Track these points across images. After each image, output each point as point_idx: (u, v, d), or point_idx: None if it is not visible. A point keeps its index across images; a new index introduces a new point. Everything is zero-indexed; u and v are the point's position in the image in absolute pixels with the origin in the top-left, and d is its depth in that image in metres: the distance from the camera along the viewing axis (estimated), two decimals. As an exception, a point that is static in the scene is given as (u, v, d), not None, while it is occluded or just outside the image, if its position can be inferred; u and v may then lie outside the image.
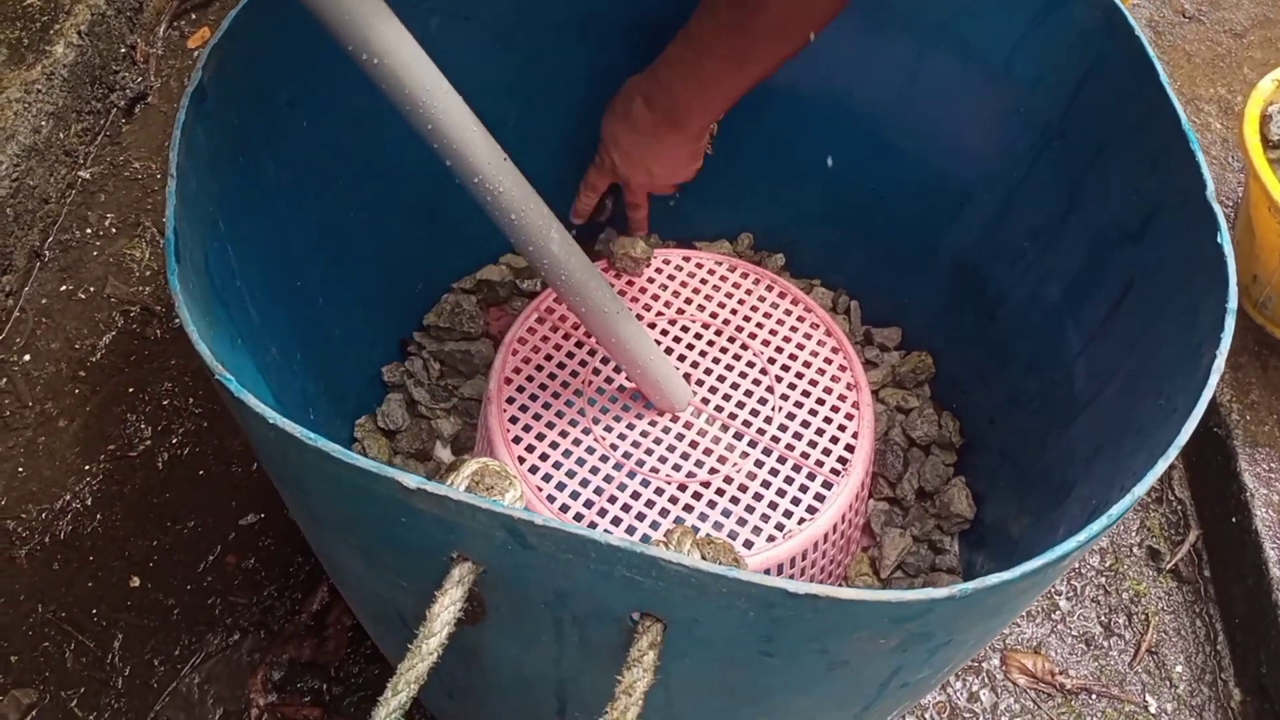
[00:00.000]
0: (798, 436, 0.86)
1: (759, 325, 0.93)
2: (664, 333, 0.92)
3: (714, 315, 0.94)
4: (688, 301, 0.95)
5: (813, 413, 0.87)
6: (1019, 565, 0.46)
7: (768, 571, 0.79)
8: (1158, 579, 0.99)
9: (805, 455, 0.85)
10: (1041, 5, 0.77)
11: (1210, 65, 1.34)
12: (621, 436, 0.85)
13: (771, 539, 0.80)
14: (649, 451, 0.84)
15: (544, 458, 0.83)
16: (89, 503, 1.00)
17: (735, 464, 0.84)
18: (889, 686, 0.55)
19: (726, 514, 0.81)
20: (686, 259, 0.98)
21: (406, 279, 0.99)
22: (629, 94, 0.83)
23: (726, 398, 0.88)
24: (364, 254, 0.90)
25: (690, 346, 0.91)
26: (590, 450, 0.84)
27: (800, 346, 0.91)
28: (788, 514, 0.81)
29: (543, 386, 0.88)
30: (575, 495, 0.81)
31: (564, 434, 0.85)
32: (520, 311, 0.94)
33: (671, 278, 0.97)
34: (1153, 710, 0.92)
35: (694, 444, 0.85)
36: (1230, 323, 0.56)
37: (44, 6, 1.25)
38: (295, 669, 0.91)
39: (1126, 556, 1.00)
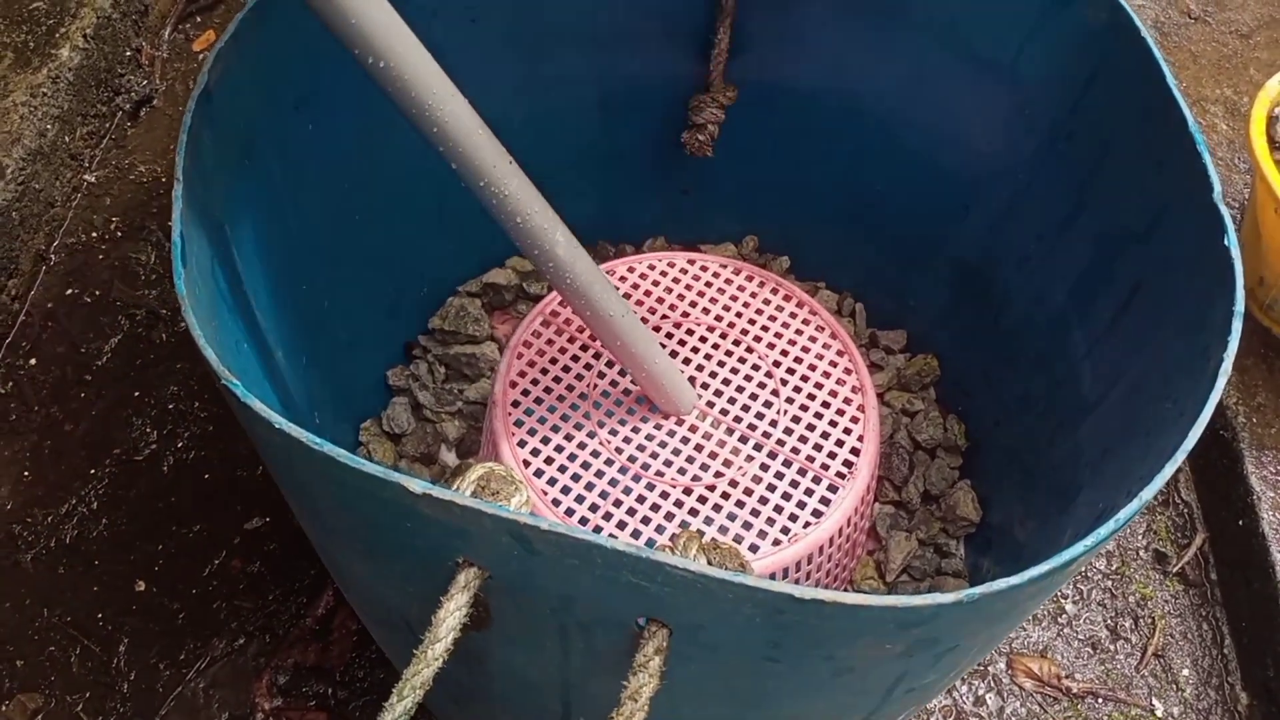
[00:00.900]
0: (803, 440, 0.86)
1: (764, 328, 0.93)
2: (669, 336, 0.92)
3: (719, 318, 0.93)
4: (692, 305, 0.94)
5: (818, 416, 0.87)
6: (1026, 570, 0.46)
7: (773, 576, 0.79)
8: (1164, 582, 0.99)
9: (810, 459, 0.84)
10: (1048, 5, 0.77)
11: (1216, 66, 1.33)
12: (627, 440, 0.85)
13: (777, 543, 0.80)
14: (654, 455, 0.84)
15: (549, 461, 0.83)
16: (94, 507, 1.00)
17: (740, 468, 0.83)
18: (894, 692, 0.55)
19: (732, 518, 0.81)
20: (691, 262, 0.98)
21: (412, 282, 0.99)
22: None
23: (732, 401, 0.88)
24: (370, 257, 0.90)
25: (695, 350, 0.91)
26: (595, 454, 0.84)
27: (805, 350, 0.91)
28: (793, 518, 0.81)
29: (548, 390, 0.88)
30: (580, 499, 0.81)
31: (569, 437, 0.85)
32: (525, 315, 0.94)
33: (676, 281, 0.97)
34: (1159, 714, 0.92)
35: (699, 448, 0.84)
36: (1238, 326, 0.55)
37: (49, 10, 1.25)
38: (300, 673, 0.91)
39: (1133, 560, 1.00)
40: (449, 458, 0.96)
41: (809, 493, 0.83)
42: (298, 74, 0.74)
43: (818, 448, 0.85)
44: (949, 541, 0.92)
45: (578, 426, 0.85)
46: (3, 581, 0.95)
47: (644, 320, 0.92)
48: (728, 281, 0.97)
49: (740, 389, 0.88)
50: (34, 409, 1.06)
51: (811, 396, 0.88)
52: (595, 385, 0.88)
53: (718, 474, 0.83)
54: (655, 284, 0.96)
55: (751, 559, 0.79)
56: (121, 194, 1.24)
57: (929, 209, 0.93)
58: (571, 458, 0.83)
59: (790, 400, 0.88)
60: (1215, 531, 1.01)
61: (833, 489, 0.83)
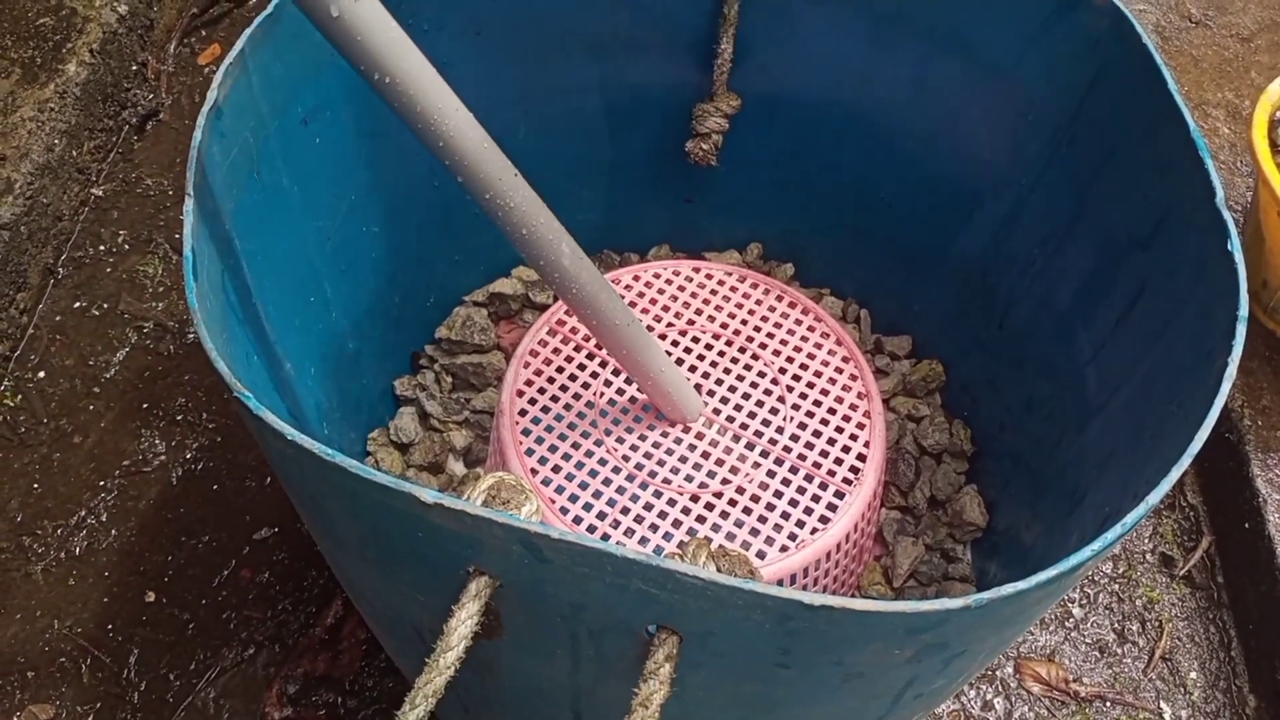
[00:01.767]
0: (809, 446, 0.86)
1: (769, 335, 0.93)
2: (674, 344, 0.93)
3: (724, 326, 0.94)
4: (698, 312, 0.95)
5: (824, 423, 0.87)
6: (1033, 575, 0.46)
7: (781, 582, 0.79)
8: (1171, 585, 0.99)
9: (817, 465, 0.85)
10: (1050, 11, 0.77)
11: (1217, 70, 1.34)
12: (633, 448, 0.85)
13: (784, 549, 0.80)
14: (661, 463, 0.84)
15: (556, 470, 0.84)
16: (104, 519, 1.00)
17: (747, 474, 0.84)
18: (903, 697, 0.55)
19: (739, 525, 0.81)
20: (696, 270, 0.99)
21: (418, 292, 0.99)
22: None
23: (738, 408, 0.88)
24: (377, 268, 0.91)
25: (700, 357, 0.91)
26: (603, 462, 0.84)
27: (811, 356, 0.92)
28: (800, 524, 0.81)
29: (554, 399, 0.88)
30: (588, 507, 0.82)
31: (576, 446, 0.85)
32: (532, 324, 0.94)
33: (681, 289, 0.97)
34: (1167, 717, 0.92)
35: (706, 455, 0.85)
36: (1241, 330, 0.56)
37: (56, 26, 1.26)
38: (310, 683, 0.91)
39: (1140, 563, 1.00)
40: (456, 467, 0.96)
41: (816, 499, 0.83)
42: (305, 89, 0.75)
43: (824, 454, 0.85)
44: (956, 546, 0.92)
45: (585, 434, 0.86)
46: (13, 593, 0.96)
47: (649, 328, 0.93)
48: (732, 289, 0.97)
49: (746, 395, 0.89)
50: (43, 421, 1.07)
51: (817, 403, 0.89)
52: (602, 393, 0.89)
53: (725, 480, 0.83)
54: (660, 292, 0.97)
55: (759, 565, 0.79)
56: (128, 207, 1.24)
57: (933, 215, 0.94)
58: (579, 465, 0.84)
59: (796, 406, 0.88)
60: (1222, 534, 1.01)
61: (839, 495, 0.83)
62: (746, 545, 0.80)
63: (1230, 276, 0.58)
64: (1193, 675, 0.94)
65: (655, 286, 0.97)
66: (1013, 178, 0.85)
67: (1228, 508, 1.00)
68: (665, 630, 0.48)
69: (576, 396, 0.88)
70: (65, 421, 1.07)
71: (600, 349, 0.91)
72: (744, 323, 0.94)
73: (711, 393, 0.89)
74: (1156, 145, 0.69)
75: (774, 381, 0.90)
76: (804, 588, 0.81)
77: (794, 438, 0.86)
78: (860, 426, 0.87)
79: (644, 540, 0.80)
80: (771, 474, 0.84)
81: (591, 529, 0.81)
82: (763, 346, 0.92)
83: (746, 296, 0.96)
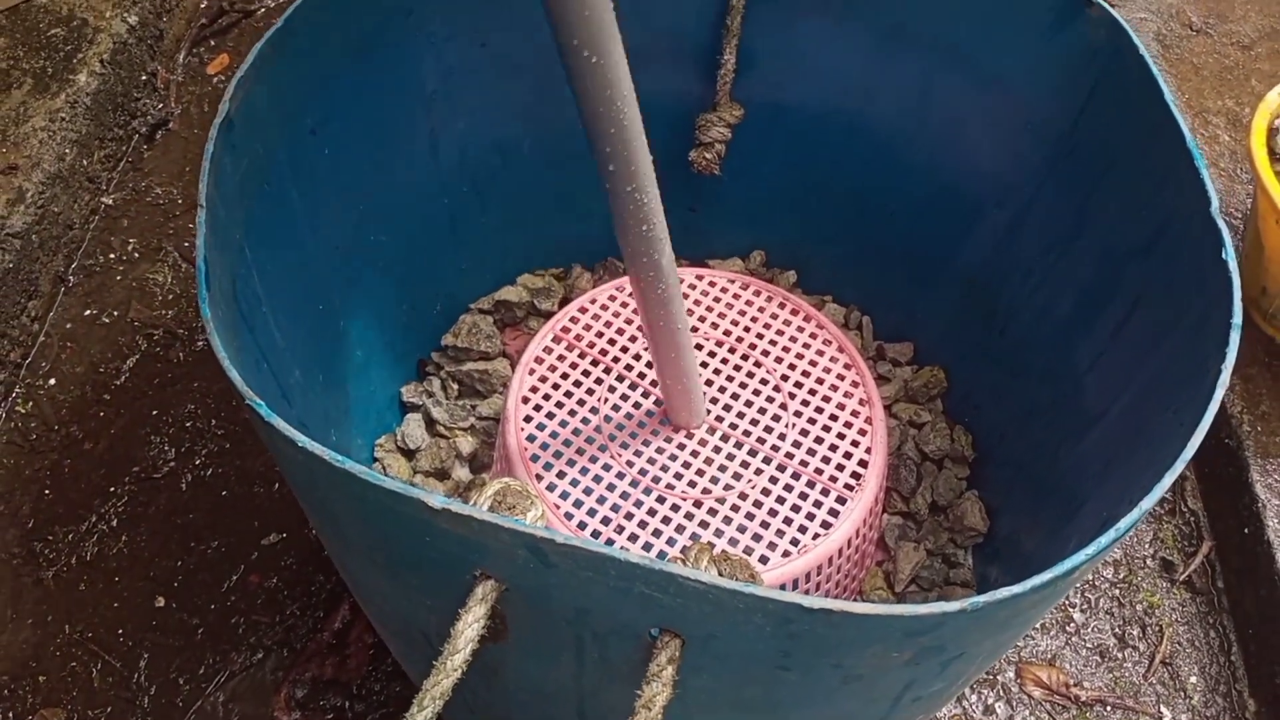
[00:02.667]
0: (811, 453, 0.87)
1: (772, 342, 0.94)
2: (678, 351, 0.94)
3: (727, 333, 0.95)
4: (701, 319, 0.96)
5: (826, 429, 0.88)
6: (1029, 579, 0.47)
7: (783, 587, 0.80)
8: (1171, 590, 1.00)
9: (819, 471, 0.86)
10: (1049, 23, 0.78)
11: (1218, 78, 1.34)
12: (637, 453, 0.86)
13: (787, 554, 0.81)
14: (664, 468, 0.85)
15: (561, 475, 0.85)
16: (114, 524, 1.02)
17: (750, 481, 0.85)
18: (902, 700, 0.56)
19: (742, 530, 0.82)
20: (700, 277, 1.00)
21: (426, 300, 1.00)
22: None
23: (741, 415, 0.89)
24: (384, 276, 0.92)
25: (704, 364, 0.92)
26: (607, 467, 0.85)
27: (813, 363, 0.93)
28: (802, 529, 0.82)
29: (559, 405, 0.89)
30: (592, 512, 0.83)
31: (581, 451, 0.86)
32: (537, 331, 0.95)
33: (685, 296, 0.98)
34: (1169, 722, 0.92)
35: (709, 460, 0.86)
36: (1235, 338, 0.57)
37: (67, 36, 1.28)
38: (318, 687, 0.92)
39: (1140, 568, 1.01)
40: (462, 473, 0.97)
41: (818, 504, 0.84)
42: (314, 100, 0.76)
43: (826, 459, 0.86)
44: (957, 552, 0.93)
45: (589, 440, 0.87)
46: (25, 598, 0.97)
47: (653, 336, 0.94)
48: (735, 296, 0.98)
49: (749, 402, 0.90)
50: (54, 428, 1.08)
51: (819, 409, 0.89)
52: (606, 400, 0.90)
53: (727, 486, 0.84)
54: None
55: (762, 570, 0.80)
56: (138, 216, 1.26)
57: (935, 224, 0.95)
58: (583, 471, 0.85)
59: (798, 413, 0.89)
60: (1221, 539, 1.01)
61: (841, 500, 0.84)
62: (749, 550, 0.81)
63: (1225, 285, 0.59)
64: (1193, 680, 0.95)
65: (659, 294, 0.98)
66: (1014, 188, 0.86)
67: (1227, 513, 1.01)
68: (668, 633, 0.49)
69: (581, 403, 0.89)
70: (76, 428, 1.08)
71: (604, 355, 0.92)
72: (746, 330, 0.95)
73: (715, 400, 0.90)
74: (1154, 155, 0.70)
75: (776, 388, 0.91)
76: (807, 592, 0.82)
77: (796, 444, 0.87)
78: (862, 433, 0.88)
79: (648, 545, 0.81)
80: (774, 480, 0.85)
81: (596, 534, 0.81)
82: (765, 354, 0.93)
83: (749, 304, 0.97)
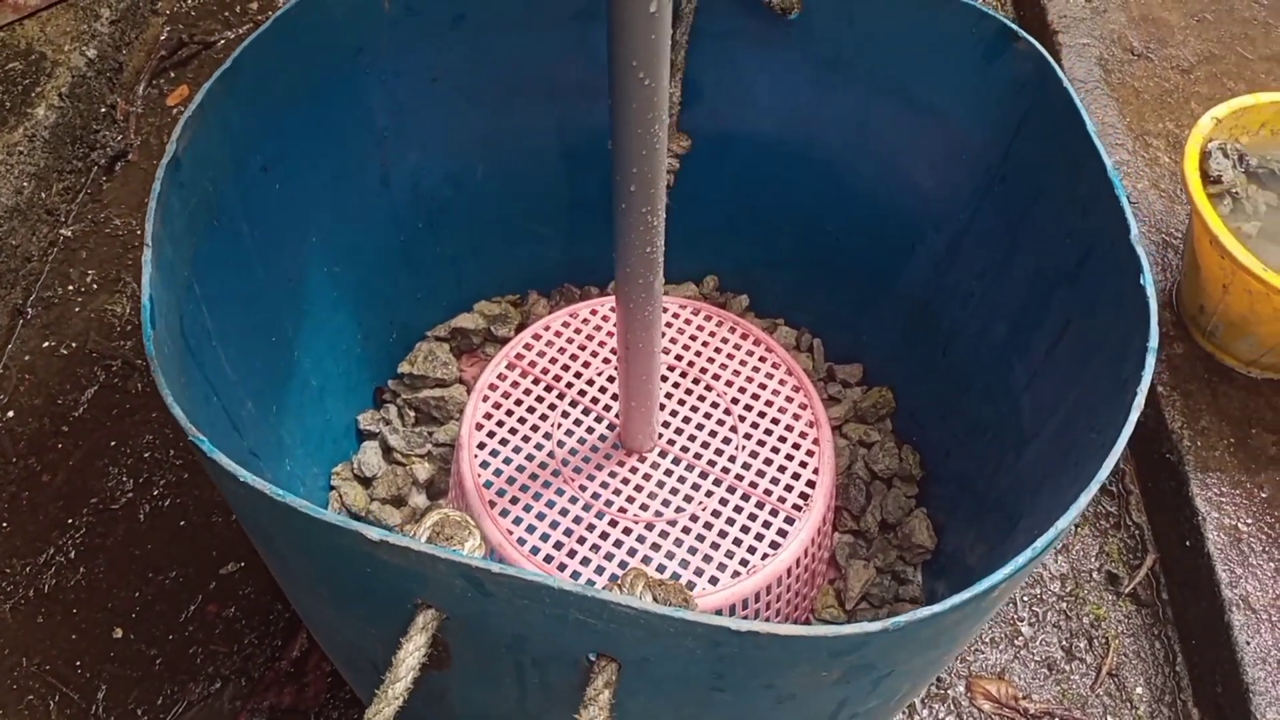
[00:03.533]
0: (760, 474, 0.89)
1: (722, 366, 0.96)
2: (630, 376, 0.95)
3: (679, 358, 0.97)
4: (653, 345, 0.98)
5: (775, 450, 0.90)
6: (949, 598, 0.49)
7: (733, 607, 0.82)
8: (1117, 603, 1.02)
9: (768, 493, 0.87)
10: (979, 57, 0.81)
11: (1159, 101, 1.38)
12: (590, 478, 0.87)
13: (736, 575, 0.82)
14: (617, 492, 0.87)
15: (514, 501, 0.86)
16: (72, 556, 1.02)
17: (700, 503, 0.86)
18: (839, 717, 0.58)
19: (693, 551, 0.84)
20: (652, 303, 1.02)
21: (381, 328, 1.02)
22: None
23: (691, 438, 0.91)
24: (338, 306, 0.93)
25: (656, 389, 0.94)
26: (560, 493, 0.87)
27: (762, 386, 0.95)
28: (752, 550, 0.84)
29: (513, 431, 0.91)
30: (545, 537, 0.84)
31: (534, 477, 0.87)
32: (493, 357, 0.97)
33: (637, 322, 1.00)
34: (1115, 732, 0.94)
35: (660, 484, 0.87)
36: (1150, 360, 0.59)
37: (25, 70, 1.28)
38: (276, 715, 0.92)
39: (1086, 581, 1.03)
40: (419, 500, 0.98)
41: (767, 525, 0.86)
42: (265, 138, 0.77)
43: (775, 481, 0.88)
44: (906, 569, 0.95)
45: (542, 466, 0.88)
46: (-18, 632, 0.97)
47: (606, 360, 0.95)
48: (687, 321, 1.00)
49: (700, 426, 0.91)
50: (12, 460, 1.08)
51: (769, 432, 0.91)
52: (559, 425, 0.91)
53: (678, 509, 0.86)
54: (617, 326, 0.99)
55: (712, 591, 0.81)
56: (97, 247, 1.26)
57: (878, 249, 0.97)
58: (536, 497, 0.86)
59: (748, 436, 0.91)
60: (1165, 552, 1.04)
61: (790, 521, 0.86)
62: (700, 572, 0.83)
63: (1142, 310, 0.62)
64: (1139, 691, 0.97)
65: (613, 320, 1.00)
66: (950, 214, 0.89)
67: (1170, 526, 1.03)
68: (604, 658, 0.50)
69: (534, 429, 0.91)
70: (34, 460, 1.08)
71: (558, 381, 0.94)
72: (698, 354, 0.97)
73: (666, 424, 0.91)
74: (1079, 184, 0.73)
75: (726, 412, 0.93)
76: (756, 613, 0.84)
77: (745, 466, 0.89)
78: (809, 454, 0.90)
79: (600, 569, 0.83)
80: (724, 502, 0.87)
81: (549, 558, 0.83)
82: (715, 377, 0.95)
83: (700, 329, 0.99)
